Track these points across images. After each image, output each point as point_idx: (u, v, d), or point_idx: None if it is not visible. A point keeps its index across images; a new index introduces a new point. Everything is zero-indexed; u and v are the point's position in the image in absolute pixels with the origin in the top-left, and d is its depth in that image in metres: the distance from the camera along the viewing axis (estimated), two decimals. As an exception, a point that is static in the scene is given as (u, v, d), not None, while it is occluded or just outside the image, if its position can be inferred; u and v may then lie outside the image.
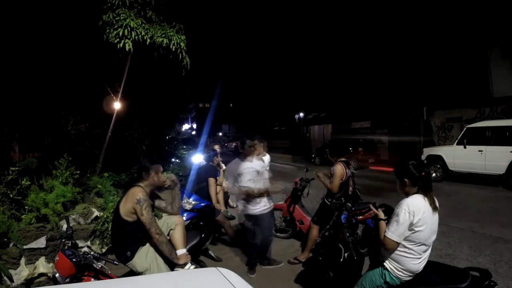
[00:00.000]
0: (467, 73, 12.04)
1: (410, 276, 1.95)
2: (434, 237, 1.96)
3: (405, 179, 1.96)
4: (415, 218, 1.84)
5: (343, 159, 3.65)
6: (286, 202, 4.44)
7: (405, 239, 1.89)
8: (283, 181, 7.52)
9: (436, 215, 1.94)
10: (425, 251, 1.94)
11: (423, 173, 1.93)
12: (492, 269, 3.29)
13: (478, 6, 11.28)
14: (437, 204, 1.96)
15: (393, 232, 1.87)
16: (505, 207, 5.84)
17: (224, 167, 5.82)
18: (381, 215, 2.05)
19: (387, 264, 2.00)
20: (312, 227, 3.73)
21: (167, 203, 2.69)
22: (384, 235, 1.91)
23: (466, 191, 7.45)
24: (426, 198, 1.91)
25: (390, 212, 2.08)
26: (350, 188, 3.70)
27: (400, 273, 1.95)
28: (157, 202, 2.64)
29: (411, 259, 1.91)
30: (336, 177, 3.49)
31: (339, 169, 3.52)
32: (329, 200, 3.59)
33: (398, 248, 1.92)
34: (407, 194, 1.97)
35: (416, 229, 1.86)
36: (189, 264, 2.46)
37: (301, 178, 4.35)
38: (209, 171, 4.14)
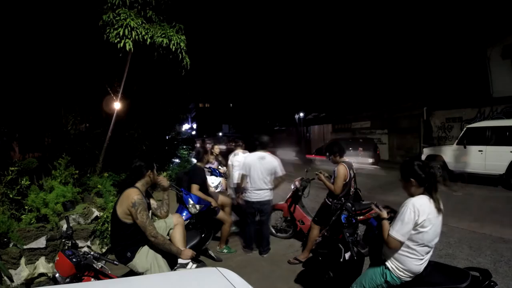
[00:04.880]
0: (467, 73, 12.04)
1: (410, 276, 1.95)
2: (437, 239, 1.95)
3: (411, 179, 1.95)
4: (420, 218, 1.84)
5: (345, 160, 3.64)
6: (286, 202, 4.43)
7: (409, 239, 1.88)
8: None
9: (440, 217, 1.94)
10: (427, 253, 1.94)
11: (429, 174, 1.93)
12: (492, 269, 3.29)
13: (478, 6, 11.28)
14: (442, 206, 1.95)
15: (397, 231, 1.87)
16: (505, 207, 5.84)
17: (224, 168, 5.79)
18: (384, 214, 2.05)
19: (389, 263, 2.00)
20: (313, 227, 3.72)
21: (158, 206, 2.66)
22: (388, 234, 1.91)
23: (466, 191, 7.45)
24: (431, 200, 1.90)
25: (392, 213, 2.08)
26: (352, 189, 3.69)
27: (401, 273, 1.95)
28: (151, 202, 2.63)
29: (414, 260, 1.91)
30: (339, 178, 3.47)
31: (342, 170, 3.49)
32: (330, 200, 3.59)
33: (401, 248, 1.92)
34: (412, 195, 1.96)
35: (421, 229, 1.86)
36: (191, 263, 2.45)
37: (302, 178, 4.34)
38: (193, 175, 3.99)
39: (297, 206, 4.31)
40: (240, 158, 4.69)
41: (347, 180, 3.52)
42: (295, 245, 4.37)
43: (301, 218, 4.25)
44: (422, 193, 1.93)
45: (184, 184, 4.10)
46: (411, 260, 1.91)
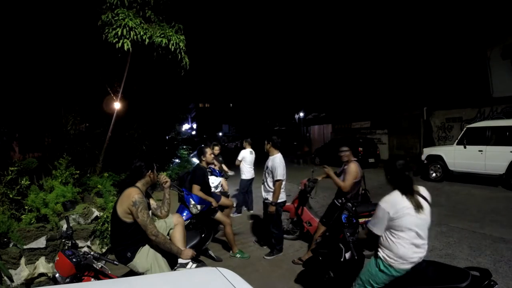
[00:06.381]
0: (467, 73, 12.04)
1: (402, 262, 1.97)
2: (425, 225, 2.00)
3: (387, 176, 2.15)
4: (391, 211, 1.95)
5: (356, 159, 3.61)
6: (294, 203, 4.37)
7: (390, 227, 2.00)
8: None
9: (425, 207, 1.99)
10: (415, 238, 1.97)
11: (402, 174, 2.04)
12: (492, 268, 3.29)
13: (478, 6, 11.28)
14: (422, 202, 2.00)
15: (373, 225, 2.06)
16: (505, 207, 5.84)
17: (224, 167, 5.77)
18: None
19: (380, 253, 2.08)
20: (320, 228, 3.69)
21: (158, 206, 2.66)
22: (367, 226, 2.13)
23: (466, 191, 7.45)
24: (403, 195, 1.99)
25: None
26: (361, 190, 3.66)
27: (392, 260, 2.00)
28: (150, 202, 2.63)
29: (400, 245, 1.97)
30: (351, 175, 3.41)
31: (354, 167, 3.44)
32: (339, 201, 3.57)
33: (387, 236, 2.02)
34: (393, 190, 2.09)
35: (396, 218, 1.96)
36: (191, 263, 2.45)
37: (309, 178, 4.22)
38: (194, 175, 3.95)
39: (304, 207, 4.24)
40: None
41: (358, 179, 3.48)
42: (295, 245, 4.37)
43: (309, 219, 4.18)
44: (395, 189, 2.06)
45: (186, 184, 4.09)
46: (397, 245, 1.98)
